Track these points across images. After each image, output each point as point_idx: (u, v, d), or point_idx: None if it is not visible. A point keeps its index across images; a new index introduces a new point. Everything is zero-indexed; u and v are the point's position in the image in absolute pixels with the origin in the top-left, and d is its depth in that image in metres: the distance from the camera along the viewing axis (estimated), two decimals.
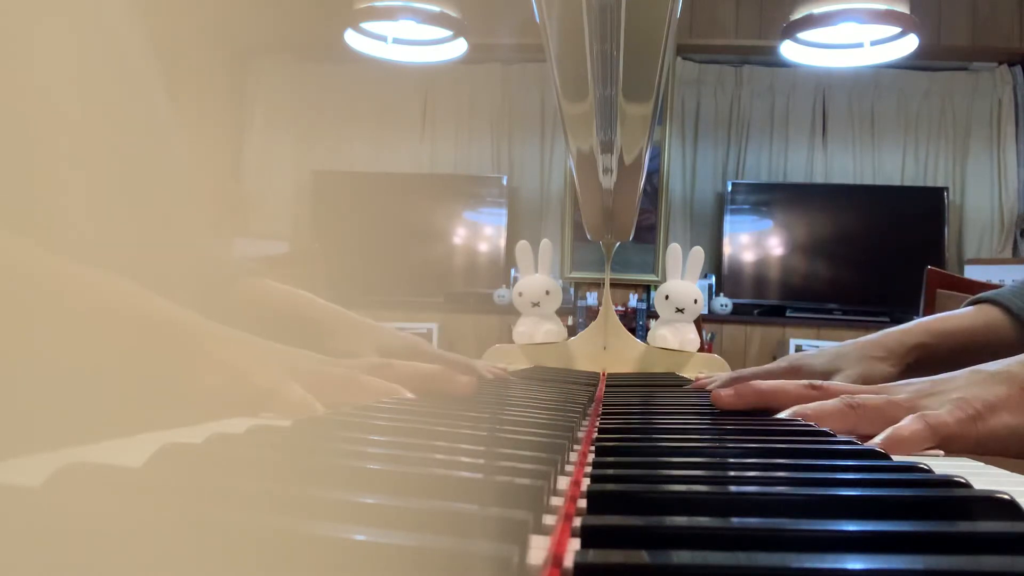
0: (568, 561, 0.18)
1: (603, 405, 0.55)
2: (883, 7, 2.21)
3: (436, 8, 2.39)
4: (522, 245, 1.21)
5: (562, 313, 1.22)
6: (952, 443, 0.40)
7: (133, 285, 0.38)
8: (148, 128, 0.54)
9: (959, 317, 0.85)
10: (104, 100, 0.49)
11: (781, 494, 0.24)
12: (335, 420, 0.35)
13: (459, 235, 3.65)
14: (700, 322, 1.33)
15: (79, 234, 0.45)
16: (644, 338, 1.20)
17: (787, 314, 3.40)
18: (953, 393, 0.43)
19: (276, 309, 0.81)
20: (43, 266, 0.34)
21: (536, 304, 1.17)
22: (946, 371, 0.49)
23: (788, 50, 2.51)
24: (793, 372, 0.89)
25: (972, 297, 0.85)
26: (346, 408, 0.39)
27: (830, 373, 0.85)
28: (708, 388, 0.96)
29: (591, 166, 0.75)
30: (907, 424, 0.40)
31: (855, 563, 0.17)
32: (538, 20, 0.46)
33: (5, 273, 0.32)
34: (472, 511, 0.19)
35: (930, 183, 3.48)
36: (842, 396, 0.46)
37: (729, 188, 3.53)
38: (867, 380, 0.81)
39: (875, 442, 0.38)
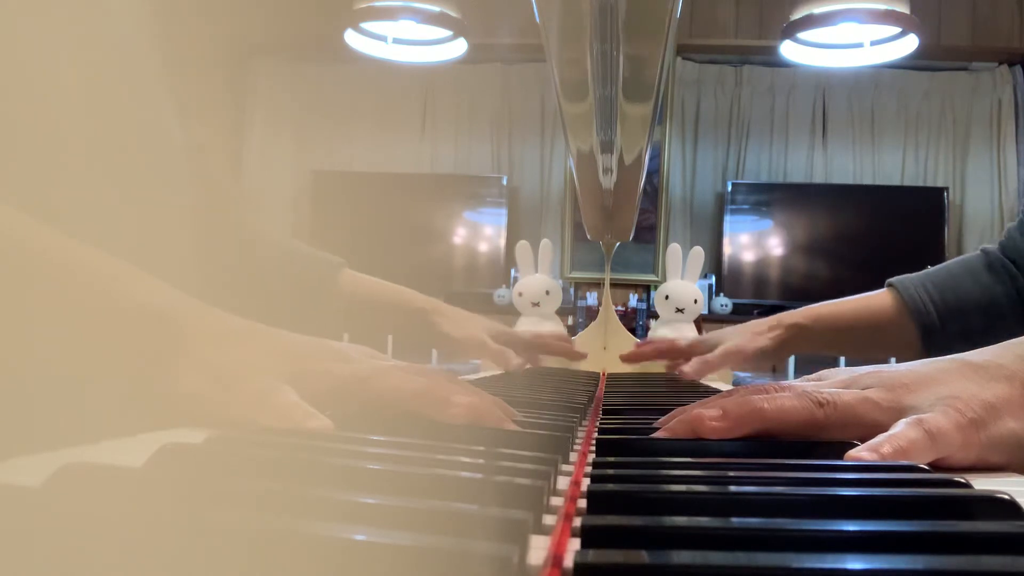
0: (568, 561, 0.18)
1: (603, 405, 0.55)
2: (883, 7, 2.21)
3: (436, 8, 2.39)
4: (522, 245, 1.21)
5: (562, 313, 1.22)
6: (952, 454, 0.34)
7: (131, 271, 0.36)
8: (149, 128, 0.54)
9: (852, 301, 0.91)
10: (104, 101, 0.49)
11: (781, 494, 0.24)
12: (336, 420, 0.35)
13: (459, 235, 3.65)
14: (700, 322, 1.33)
15: (112, 239, 0.45)
16: (644, 338, 1.20)
17: None
18: (938, 389, 0.36)
19: (381, 298, 0.85)
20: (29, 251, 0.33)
21: (536, 304, 1.17)
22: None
23: (788, 50, 2.51)
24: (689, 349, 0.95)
25: (888, 279, 0.90)
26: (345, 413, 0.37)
27: (715, 346, 0.92)
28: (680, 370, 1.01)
29: (591, 166, 0.75)
30: (903, 432, 0.33)
31: (855, 563, 0.17)
32: (538, 20, 0.46)
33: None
34: (472, 511, 0.19)
35: (930, 183, 3.48)
36: (804, 390, 0.38)
37: (729, 188, 3.53)
38: (740, 350, 0.91)
39: (864, 456, 0.32)
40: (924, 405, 0.36)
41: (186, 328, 0.35)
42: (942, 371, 0.38)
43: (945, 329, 0.82)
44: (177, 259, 0.52)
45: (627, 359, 1.07)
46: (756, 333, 0.91)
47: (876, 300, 0.89)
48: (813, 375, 0.45)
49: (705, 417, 0.36)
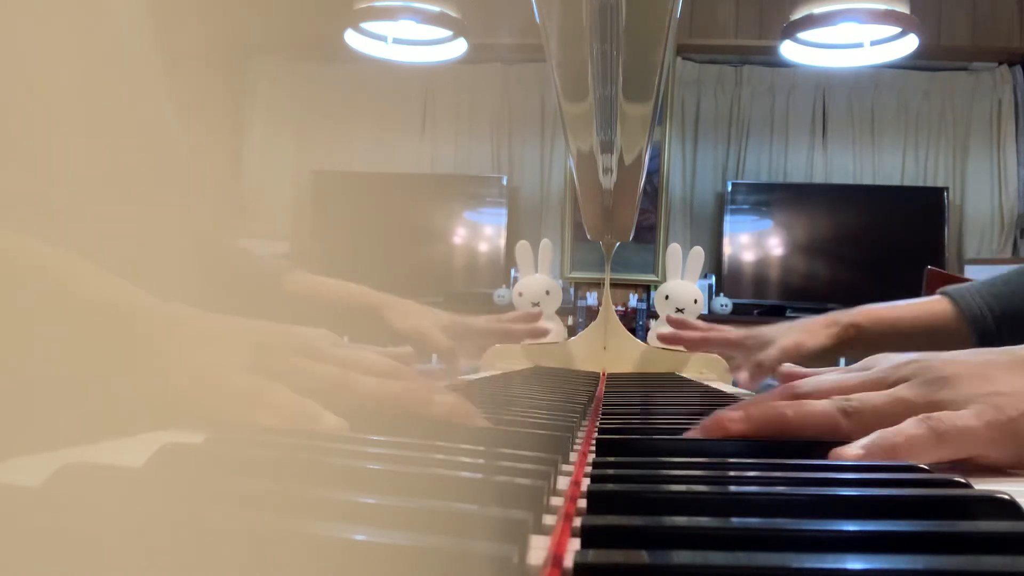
0: (568, 561, 0.18)
1: (603, 405, 0.55)
2: (883, 7, 2.21)
3: (436, 8, 2.39)
4: (522, 245, 1.21)
5: (562, 313, 1.22)
6: (984, 452, 0.33)
7: (102, 275, 0.36)
8: (150, 129, 0.54)
9: (909, 306, 0.89)
10: (105, 101, 0.49)
11: (781, 494, 0.24)
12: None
13: (459, 235, 3.65)
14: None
15: (88, 237, 0.45)
16: (644, 338, 1.20)
17: (787, 314, 3.39)
18: (981, 385, 0.35)
19: (329, 298, 0.84)
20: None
21: (536, 304, 1.17)
22: (872, 352, 0.44)
23: (788, 50, 2.51)
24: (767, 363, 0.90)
25: (940, 289, 0.89)
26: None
27: (768, 343, 0.89)
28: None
29: (591, 166, 0.75)
30: (902, 428, 0.33)
31: (855, 563, 0.17)
32: (538, 20, 0.45)
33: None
34: (472, 511, 0.19)
35: (930, 183, 3.48)
36: (834, 397, 0.37)
37: (729, 188, 3.53)
38: (798, 348, 0.88)
39: (848, 454, 0.31)
40: (960, 400, 0.35)
41: (162, 327, 0.35)
42: (990, 364, 0.36)
43: (1002, 336, 0.82)
44: (117, 260, 0.52)
45: (666, 340, 1.01)
46: (812, 331, 0.89)
47: (932, 306, 0.88)
48: (860, 363, 0.44)
49: (725, 419, 0.36)
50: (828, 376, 0.42)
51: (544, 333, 0.99)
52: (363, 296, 0.87)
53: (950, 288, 0.88)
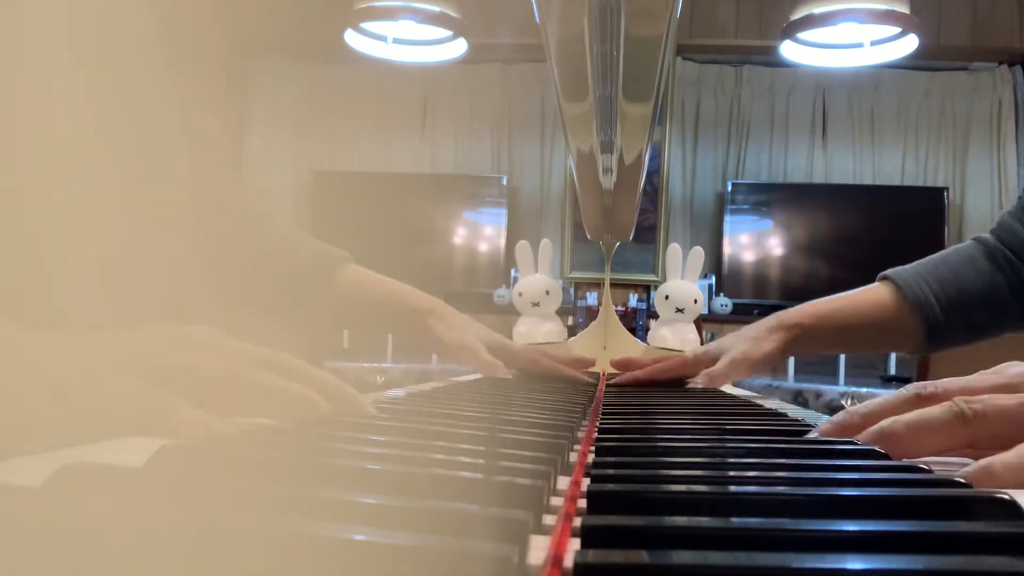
0: (568, 561, 0.18)
1: (603, 405, 0.55)
2: (883, 7, 2.21)
3: (436, 8, 2.39)
4: (522, 245, 1.21)
5: (562, 313, 1.22)
6: None
7: None
8: (152, 126, 0.54)
9: (852, 297, 0.88)
10: (105, 101, 0.49)
11: (781, 494, 0.24)
12: (336, 420, 0.35)
13: (459, 235, 3.65)
14: (700, 322, 1.33)
15: (96, 240, 0.45)
16: (644, 338, 1.20)
17: None
18: None
19: (379, 296, 0.83)
20: None
21: (536, 304, 1.17)
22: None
23: (788, 50, 2.51)
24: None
25: (881, 273, 0.88)
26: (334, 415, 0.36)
27: (717, 357, 0.88)
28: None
29: (591, 166, 0.75)
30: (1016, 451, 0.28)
31: (855, 563, 0.17)
32: (538, 20, 0.46)
33: None
34: (472, 511, 0.19)
35: (930, 183, 3.48)
36: (954, 399, 0.34)
37: (729, 188, 3.53)
38: (748, 358, 0.86)
39: (961, 471, 0.28)
40: None
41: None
42: None
43: (949, 323, 0.81)
44: (177, 252, 0.52)
45: (619, 383, 1.01)
46: (758, 338, 0.87)
47: (875, 295, 0.87)
48: (991, 369, 0.39)
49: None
50: (956, 379, 0.39)
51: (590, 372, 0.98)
52: (412, 299, 0.85)
53: (892, 272, 0.87)
